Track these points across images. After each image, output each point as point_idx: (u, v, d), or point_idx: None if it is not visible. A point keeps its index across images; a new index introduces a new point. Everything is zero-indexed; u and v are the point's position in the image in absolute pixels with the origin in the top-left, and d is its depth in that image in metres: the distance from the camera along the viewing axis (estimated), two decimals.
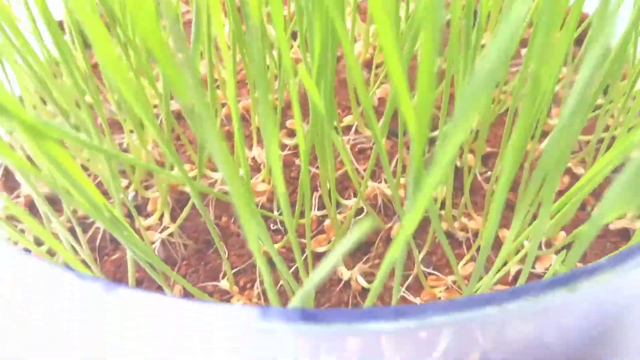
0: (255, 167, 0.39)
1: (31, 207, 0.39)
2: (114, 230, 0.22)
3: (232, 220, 0.37)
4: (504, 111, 0.44)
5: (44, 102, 0.44)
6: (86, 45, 0.44)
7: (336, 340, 0.17)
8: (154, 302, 0.16)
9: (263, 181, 0.37)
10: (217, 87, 0.45)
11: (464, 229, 0.36)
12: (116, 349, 0.22)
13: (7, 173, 0.41)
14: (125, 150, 0.41)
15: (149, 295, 0.17)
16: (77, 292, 0.18)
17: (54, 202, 0.39)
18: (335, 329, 0.15)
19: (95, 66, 0.47)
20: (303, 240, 0.35)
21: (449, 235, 0.36)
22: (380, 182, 0.37)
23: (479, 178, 0.38)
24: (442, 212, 0.36)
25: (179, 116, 0.44)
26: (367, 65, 0.46)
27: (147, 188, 0.39)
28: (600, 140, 0.39)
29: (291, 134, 0.41)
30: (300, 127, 0.26)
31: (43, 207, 0.35)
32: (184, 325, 0.17)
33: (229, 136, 0.41)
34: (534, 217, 0.32)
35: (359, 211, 0.36)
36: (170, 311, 0.16)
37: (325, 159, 0.32)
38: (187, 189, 0.37)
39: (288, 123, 0.42)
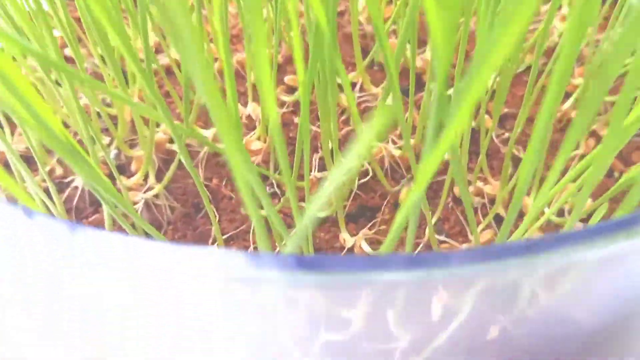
0: (251, 126, 0.36)
1: (6, 166, 0.36)
2: (74, 163, 0.19)
3: (224, 183, 0.33)
4: (522, 70, 0.40)
5: (24, 57, 0.41)
6: None
7: (337, 292, 0.14)
8: (124, 244, 0.13)
9: (258, 139, 0.34)
10: (210, 40, 0.41)
11: (480, 194, 0.32)
12: (115, 349, 0.19)
13: None
14: (109, 106, 0.38)
15: (120, 237, 0.13)
16: (42, 234, 0.15)
17: (29, 161, 0.35)
18: (336, 278, 0.12)
19: (77, 20, 0.43)
20: (302, 204, 0.32)
21: (462, 201, 0.32)
22: (387, 143, 0.34)
23: (496, 140, 0.35)
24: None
25: (167, 72, 0.41)
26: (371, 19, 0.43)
27: (131, 147, 0.36)
28: None
29: (290, 90, 0.38)
30: (303, 74, 0.23)
31: (17, 165, 0.31)
32: (159, 274, 0.13)
33: (222, 94, 0.38)
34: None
35: (364, 174, 0.33)
36: (143, 255, 0.13)
37: (327, 115, 0.29)
38: (175, 147, 0.34)
39: (286, 79, 0.38)
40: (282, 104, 0.36)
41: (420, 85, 0.38)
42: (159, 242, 0.13)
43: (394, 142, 0.34)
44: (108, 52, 0.32)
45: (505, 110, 0.37)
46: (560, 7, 0.44)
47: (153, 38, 0.43)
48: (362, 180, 0.32)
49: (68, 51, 0.42)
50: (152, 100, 0.27)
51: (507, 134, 0.35)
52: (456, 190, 0.33)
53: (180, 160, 0.33)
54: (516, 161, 0.34)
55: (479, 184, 0.32)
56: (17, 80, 0.16)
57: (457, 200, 0.32)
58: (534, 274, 0.15)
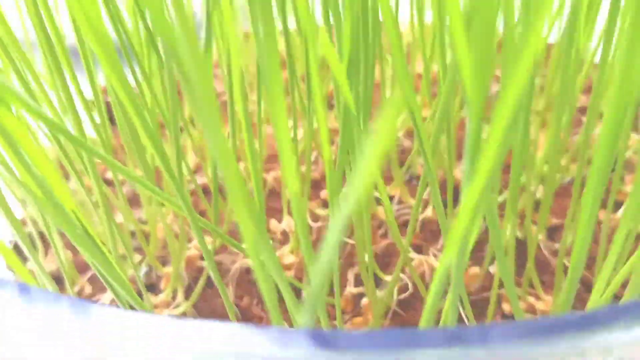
0: (284, 241, 0.34)
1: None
2: (87, 251, 0.18)
3: (255, 302, 0.32)
4: (568, 182, 0.39)
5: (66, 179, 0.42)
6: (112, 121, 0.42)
7: None
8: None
9: (292, 252, 0.32)
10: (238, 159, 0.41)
11: (531, 310, 0.29)
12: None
13: None
14: (143, 223, 0.37)
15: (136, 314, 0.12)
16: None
17: (58, 281, 0.35)
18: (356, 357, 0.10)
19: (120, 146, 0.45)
20: (335, 322, 0.29)
21: (512, 318, 0.30)
22: (428, 255, 0.32)
23: (545, 252, 0.33)
24: (503, 290, 0.30)
25: (205, 191, 0.41)
26: (410, 134, 0.42)
27: (164, 264, 0.35)
28: None
29: (326, 205, 0.37)
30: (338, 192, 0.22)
31: (46, 285, 0.31)
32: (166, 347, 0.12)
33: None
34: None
35: (403, 288, 0.31)
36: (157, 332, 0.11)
37: (362, 228, 0.27)
38: (205, 264, 0.33)
39: (322, 194, 0.38)
40: (316, 218, 0.35)
41: (458, 196, 0.37)
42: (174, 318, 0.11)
43: (435, 256, 0.32)
44: (147, 172, 0.33)
45: (553, 220, 0.35)
46: (601, 116, 0.42)
47: (194, 159, 0.43)
48: (402, 296, 0.30)
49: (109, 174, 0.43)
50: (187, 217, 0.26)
51: (556, 245, 0.33)
52: (505, 307, 0.30)
53: (210, 278, 0.32)
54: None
55: (530, 299, 0.30)
56: (66, 204, 0.16)
57: (507, 318, 0.30)
58: (589, 352, 0.12)
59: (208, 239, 0.35)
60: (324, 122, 0.23)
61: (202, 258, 0.34)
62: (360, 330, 0.28)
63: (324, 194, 0.38)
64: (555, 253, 0.33)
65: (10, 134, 0.19)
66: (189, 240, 0.34)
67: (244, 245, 0.34)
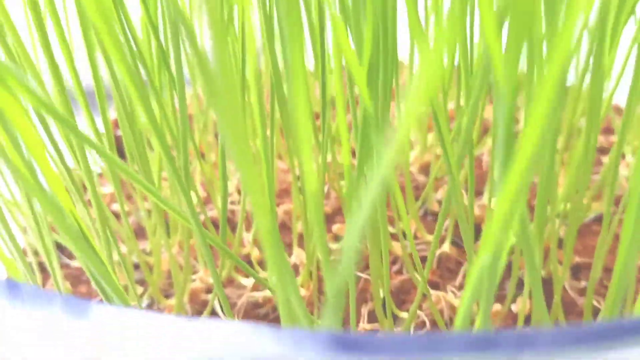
0: (294, 274, 0.33)
1: None
2: (79, 250, 0.16)
3: None
4: (590, 220, 0.37)
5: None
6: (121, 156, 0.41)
7: None
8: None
9: (301, 286, 0.31)
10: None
11: None
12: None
13: None
14: (149, 254, 0.36)
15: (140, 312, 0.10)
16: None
17: None
18: None
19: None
20: None
21: None
22: (446, 292, 0.30)
23: (570, 291, 0.31)
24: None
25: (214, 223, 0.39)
26: (424, 169, 0.41)
27: (167, 297, 0.33)
28: None
29: (337, 239, 0.36)
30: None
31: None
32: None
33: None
34: None
35: (420, 325, 0.29)
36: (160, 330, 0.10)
37: (378, 263, 0.26)
38: (210, 297, 0.31)
39: (334, 228, 0.36)
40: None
41: (478, 233, 0.35)
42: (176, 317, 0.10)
43: (454, 293, 0.31)
44: (156, 205, 0.32)
45: (577, 259, 0.33)
46: (624, 156, 0.41)
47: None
48: (419, 333, 0.28)
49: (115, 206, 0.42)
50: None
51: (582, 284, 0.31)
52: None
53: (214, 312, 0.30)
54: (596, 313, 0.29)
55: None
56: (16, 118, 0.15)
57: None
58: None
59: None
60: (347, 146, 0.22)
61: (207, 291, 0.32)
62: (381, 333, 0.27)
63: (335, 228, 0.36)
64: (580, 292, 0.31)
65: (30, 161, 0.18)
66: (194, 272, 0.33)
67: (249, 281, 0.33)
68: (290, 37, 0.12)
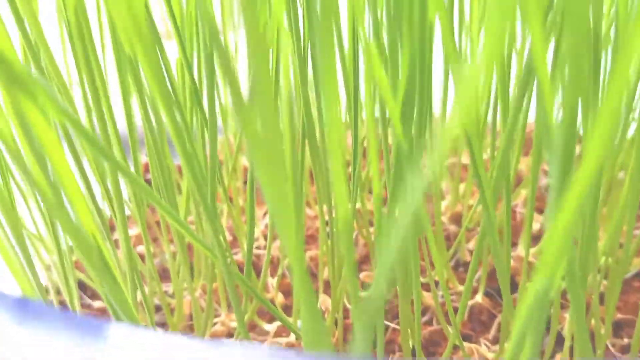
0: None
1: None
2: (105, 283, 0.15)
3: None
4: (631, 276, 0.35)
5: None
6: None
7: None
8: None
9: None
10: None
11: None
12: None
13: None
14: (171, 296, 0.35)
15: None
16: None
17: None
18: None
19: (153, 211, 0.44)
20: None
21: None
22: (480, 345, 0.29)
23: (612, 349, 0.29)
24: None
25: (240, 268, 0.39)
26: (456, 219, 0.40)
27: None
28: None
29: (364, 287, 0.34)
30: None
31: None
32: None
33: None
34: None
35: None
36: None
37: (408, 312, 0.25)
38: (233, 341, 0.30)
39: (362, 275, 0.35)
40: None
41: (514, 286, 0.34)
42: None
43: (488, 347, 0.29)
44: (182, 247, 0.31)
45: (618, 315, 0.31)
46: None
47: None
48: None
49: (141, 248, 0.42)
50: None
51: (624, 341, 0.29)
52: None
53: None
54: None
55: None
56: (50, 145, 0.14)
57: None
58: None
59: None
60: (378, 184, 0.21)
61: (228, 335, 0.31)
62: None
63: (363, 275, 0.35)
64: (622, 349, 0.29)
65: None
66: (216, 316, 0.32)
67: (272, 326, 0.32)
68: (326, 84, 0.12)
